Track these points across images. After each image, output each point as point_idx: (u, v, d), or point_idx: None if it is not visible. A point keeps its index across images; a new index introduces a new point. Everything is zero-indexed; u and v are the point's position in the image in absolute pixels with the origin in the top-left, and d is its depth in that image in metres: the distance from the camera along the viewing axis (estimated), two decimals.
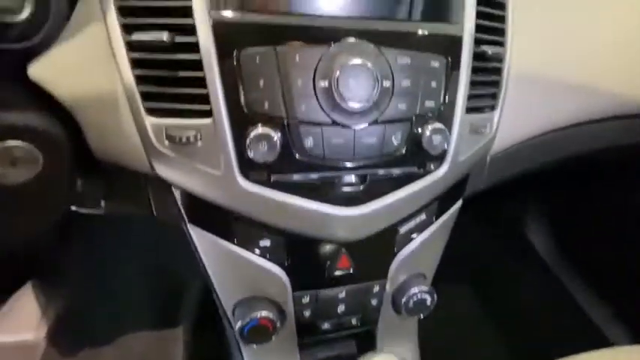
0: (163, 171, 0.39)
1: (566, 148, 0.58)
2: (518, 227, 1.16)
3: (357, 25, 0.37)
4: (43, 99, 0.34)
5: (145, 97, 0.36)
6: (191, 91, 0.35)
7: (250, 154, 0.36)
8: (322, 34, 0.36)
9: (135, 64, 0.35)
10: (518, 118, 0.50)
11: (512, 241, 1.17)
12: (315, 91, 0.36)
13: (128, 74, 0.35)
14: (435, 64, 0.40)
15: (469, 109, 0.44)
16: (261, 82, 0.36)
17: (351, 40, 0.37)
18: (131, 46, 0.35)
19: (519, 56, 0.47)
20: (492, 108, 0.47)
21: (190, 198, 0.42)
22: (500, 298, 1.11)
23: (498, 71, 0.46)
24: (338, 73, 0.36)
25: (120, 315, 0.89)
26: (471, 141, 0.45)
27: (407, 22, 0.39)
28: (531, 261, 1.12)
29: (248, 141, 0.35)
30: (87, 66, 0.36)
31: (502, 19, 0.46)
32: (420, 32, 0.39)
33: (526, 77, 0.49)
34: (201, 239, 0.44)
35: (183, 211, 0.43)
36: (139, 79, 0.35)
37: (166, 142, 0.37)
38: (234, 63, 0.35)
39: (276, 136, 0.36)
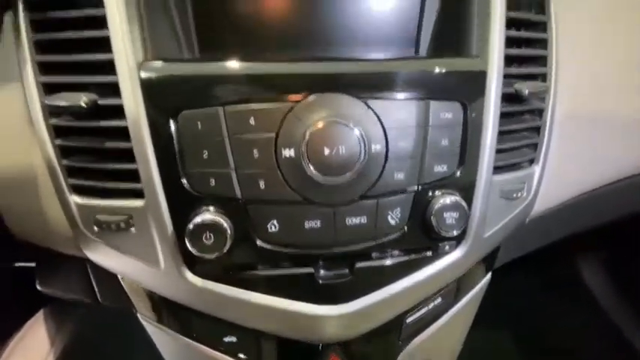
0: (97, 257, 0.31)
1: (628, 204, 0.44)
2: (569, 265, 0.99)
3: (333, 69, 0.28)
4: None
5: (69, 172, 0.29)
6: (119, 166, 0.28)
7: (192, 248, 0.27)
8: (286, 84, 0.27)
9: (56, 132, 0.28)
10: (565, 172, 0.38)
11: (561, 280, 1.01)
12: (277, 163, 0.27)
13: (48, 145, 0.28)
14: (447, 114, 0.29)
15: (499, 169, 0.32)
16: (206, 154, 0.27)
17: (326, 93, 0.27)
18: (51, 111, 0.28)
19: (567, 90, 0.36)
20: (531, 162, 0.35)
21: (138, 285, 0.34)
22: (547, 343, 0.96)
23: (540, 113, 0.35)
24: (308, 137, 0.26)
25: (126, 350, 0.87)
26: (501, 209, 0.34)
27: (404, 60, 0.29)
28: (585, 304, 0.96)
29: (187, 232, 0.27)
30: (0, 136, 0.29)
31: (543, 43, 0.34)
32: (423, 72, 0.29)
33: (577, 117, 0.37)
34: (156, 331, 0.36)
35: (131, 298, 0.35)
36: (61, 151, 0.28)
37: (95, 229, 0.29)
38: (171, 130, 0.27)
39: (227, 222, 0.27)
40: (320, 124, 0.26)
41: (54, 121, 0.28)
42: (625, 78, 0.39)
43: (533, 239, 0.42)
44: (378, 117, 0.28)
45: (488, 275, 0.41)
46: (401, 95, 0.28)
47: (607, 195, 0.41)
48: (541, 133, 0.35)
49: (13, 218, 0.31)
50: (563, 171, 0.37)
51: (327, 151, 0.26)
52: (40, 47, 0.28)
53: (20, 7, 0.28)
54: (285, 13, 0.28)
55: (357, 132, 0.27)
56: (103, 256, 0.31)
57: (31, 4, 0.28)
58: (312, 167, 0.27)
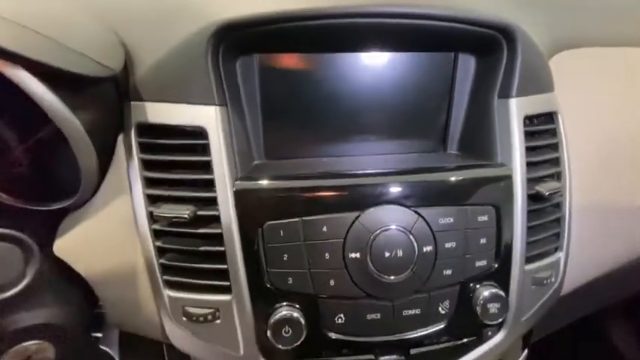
0: (180, 343, 0.36)
1: None
2: (602, 337, 0.97)
3: (388, 182, 0.33)
4: (65, 291, 0.34)
5: (165, 269, 0.34)
6: (211, 266, 0.33)
7: (274, 340, 0.31)
8: (352, 199, 0.33)
9: (156, 235, 0.34)
10: (589, 253, 0.42)
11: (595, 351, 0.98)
12: (345, 264, 0.32)
13: (149, 246, 0.34)
14: (483, 217, 0.35)
15: (529, 259, 0.37)
16: (285, 257, 0.32)
17: (384, 205, 0.33)
18: (153, 218, 0.34)
19: (579, 183, 0.41)
20: (556, 249, 0.40)
21: None
22: None
23: (558, 207, 0.40)
24: (371, 242, 0.32)
25: None
26: (534, 295, 0.38)
27: (446, 172, 0.35)
28: None
29: (269, 326, 0.31)
30: (109, 240, 0.35)
31: (555, 146, 0.40)
32: (462, 182, 0.35)
33: (590, 206, 0.42)
34: None
35: None
36: (160, 251, 0.34)
37: (184, 319, 0.34)
38: (257, 237, 0.32)
39: (302, 317, 0.32)
40: (381, 232, 0.32)
41: (156, 226, 0.34)
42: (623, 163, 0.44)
43: (565, 316, 0.45)
44: (427, 223, 0.33)
45: (525, 352, 0.44)
46: (445, 203, 0.34)
47: (628, 271, 0.45)
48: (562, 223, 0.40)
49: (112, 309, 0.36)
50: (584, 254, 0.42)
51: (387, 254, 0.32)
52: (147, 165, 0.34)
53: (132, 131, 0.34)
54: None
55: (411, 237, 0.32)
56: (185, 342, 0.35)
57: (142, 129, 0.34)
58: (374, 268, 0.32)
